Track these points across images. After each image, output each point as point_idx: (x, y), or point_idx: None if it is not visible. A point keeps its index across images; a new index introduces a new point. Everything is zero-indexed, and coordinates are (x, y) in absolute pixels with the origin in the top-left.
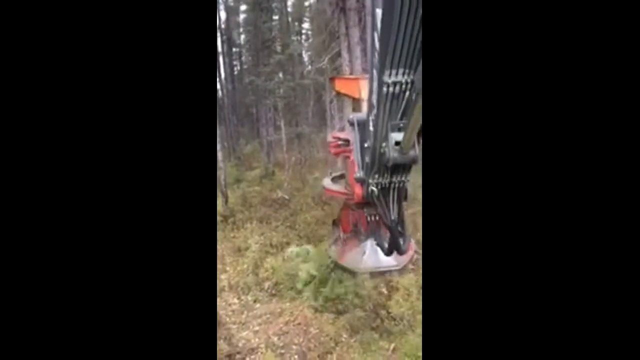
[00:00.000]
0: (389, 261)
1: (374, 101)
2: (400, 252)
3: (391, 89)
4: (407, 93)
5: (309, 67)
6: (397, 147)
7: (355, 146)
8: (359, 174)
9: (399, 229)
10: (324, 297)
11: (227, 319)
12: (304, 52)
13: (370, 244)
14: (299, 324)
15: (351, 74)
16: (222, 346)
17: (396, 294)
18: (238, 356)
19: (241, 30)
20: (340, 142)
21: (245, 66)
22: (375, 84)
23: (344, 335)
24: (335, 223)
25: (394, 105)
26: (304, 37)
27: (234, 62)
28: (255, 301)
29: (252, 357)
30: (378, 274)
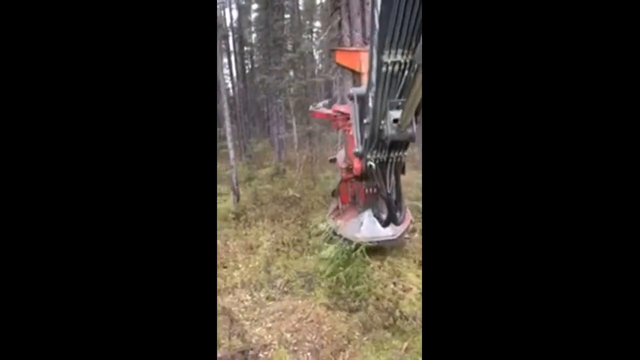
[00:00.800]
0: (386, 231)
1: (373, 79)
2: (396, 224)
3: (390, 68)
4: (406, 72)
5: (320, 65)
6: (395, 125)
7: (354, 121)
8: (358, 148)
9: (396, 203)
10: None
11: (240, 316)
12: (314, 50)
13: (367, 215)
14: (312, 321)
15: (352, 45)
16: (235, 342)
17: (409, 293)
18: (251, 352)
19: (253, 29)
20: (341, 116)
21: (256, 65)
22: (374, 63)
23: (357, 333)
24: (334, 194)
25: (393, 84)
26: (314, 35)
27: (246, 61)
28: (267, 298)
29: (265, 353)
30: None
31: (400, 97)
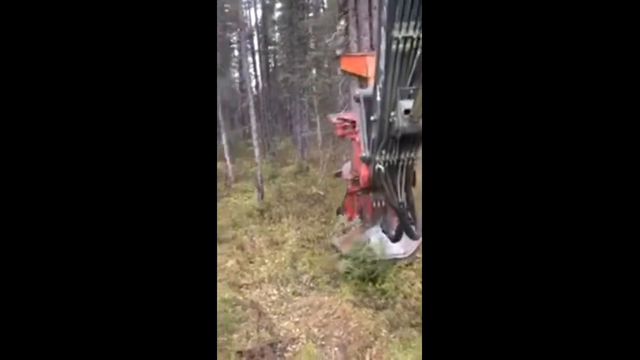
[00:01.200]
0: (396, 249)
1: (382, 66)
2: (414, 237)
3: (401, 46)
4: (418, 52)
5: None
6: (406, 116)
7: (361, 124)
8: (365, 153)
9: (409, 215)
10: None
11: (268, 309)
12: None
13: (375, 231)
14: (339, 317)
15: (359, 51)
16: (263, 335)
17: None
18: (280, 345)
19: (276, 28)
20: (345, 124)
21: (279, 64)
22: (383, 45)
23: (384, 331)
24: (339, 211)
25: (404, 67)
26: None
27: (269, 60)
28: (294, 293)
29: (294, 346)
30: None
31: (411, 84)
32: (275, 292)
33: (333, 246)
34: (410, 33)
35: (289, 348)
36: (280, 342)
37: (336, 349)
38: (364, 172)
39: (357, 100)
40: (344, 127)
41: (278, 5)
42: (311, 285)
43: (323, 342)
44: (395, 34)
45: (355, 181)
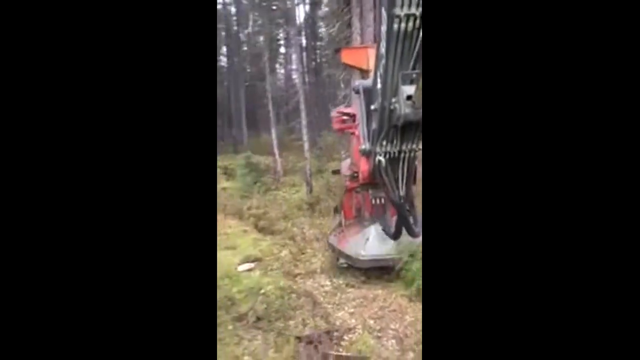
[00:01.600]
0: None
1: (383, 49)
2: (414, 235)
3: (403, 24)
4: (421, 32)
5: None
6: (409, 102)
7: (360, 116)
8: (365, 145)
9: (409, 211)
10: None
11: (322, 299)
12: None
13: (374, 229)
14: (394, 310)
15: (362, 44)
16: (319, 323)
17: None
18: (336, 334)
19: (322, 23)
20: (344, 118)
21: (324, 59)
22: (384, 27)
23: None
24: (336, 210)
25: (406, 49)
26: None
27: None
28: (347, 285)
29: (350, 336)
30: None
31: (414, 68)
32: (328, 283)
33: (330, 245)
34: (413, 10)
35: (345, 337)
36: (336, 330)
37: (393, 341)
38: (364, 166)
39: (357, 91)
40: (343, 121)
41: (325, 0)
42: (363, 278)
43: (379, 334)
44: (397, 11)
45: (354, 177)
